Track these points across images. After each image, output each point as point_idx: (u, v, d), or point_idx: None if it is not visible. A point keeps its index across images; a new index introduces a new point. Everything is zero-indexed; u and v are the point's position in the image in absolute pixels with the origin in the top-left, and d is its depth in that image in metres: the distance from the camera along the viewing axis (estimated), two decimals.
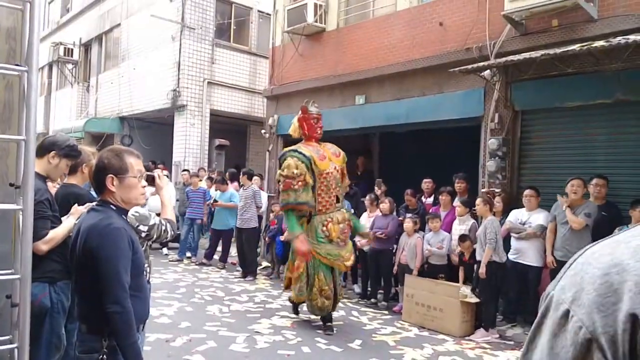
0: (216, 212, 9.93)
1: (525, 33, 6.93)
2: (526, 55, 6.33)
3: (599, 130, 6.55)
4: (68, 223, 3.00)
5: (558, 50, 5.91)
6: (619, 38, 5.54)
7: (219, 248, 10.03)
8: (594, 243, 0.68)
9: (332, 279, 5.68)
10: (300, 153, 5.22)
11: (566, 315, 0.62)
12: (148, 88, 14.87)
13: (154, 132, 15.99)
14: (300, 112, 5.84)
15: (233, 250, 10.11)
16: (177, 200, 11.11)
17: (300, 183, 5.07)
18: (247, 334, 5.62)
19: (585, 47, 5.67)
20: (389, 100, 8.83)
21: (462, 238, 6.50)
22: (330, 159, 5.41)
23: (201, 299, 7.20)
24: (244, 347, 5.22)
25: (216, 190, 10.20)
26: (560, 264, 5.81)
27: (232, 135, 14.70)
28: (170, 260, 10.04)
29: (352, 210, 8.11)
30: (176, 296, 7.18)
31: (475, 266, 6.29)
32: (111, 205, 2.33)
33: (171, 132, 14.27)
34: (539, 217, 6.31)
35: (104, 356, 2.18)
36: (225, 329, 5.78)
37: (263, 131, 11.43)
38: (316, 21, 9.78)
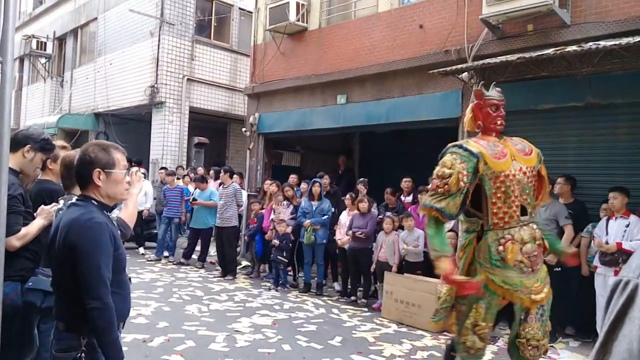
0: (195, 210, 9.90)
1: (502, 37, 7.09)
2: (502, 58, 6.48)
3: (571, 132, 6.75)
4: (39, 222, 2.95)
5: (533, 54, 6.07)
6: (590, 44, 5.72)
7: (198, 247, 10.00)
8: None
9: (496, 317, 4.00)
10: (466, 149, 3.90)
11: None
12: (125, 84, 14.71)
13: (130, 129, 15.82)
14: (473, 98, 4.43)
15: (212, 250, 10.10)
16: (155, 198, 11.05)
17: (445, 187, 3.87)
18: (227, 333, 5.63)
19: (559, 51, 5.84)
20: (369, 100, 8.94)
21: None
22: (515, 157, 4.01)
23: (179, 298, 7.18)
24: (224, 346, 5.23)
25: (195, 188, 10.17)
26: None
27: (211, 133, 14.65)
28: (147, 260, 9.99)
29: (333, 210, 8.24)
30: (153, 296, 7.13)
31: None
32: (93, 200, 2.29)
33: (149, 129, 14.12)
34: None
35: (82, 354, 2.14)
36: (204, 329, 5.77)
37: (244, 129, 11.43)
38: (298, 20, 9.82)
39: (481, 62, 6.81)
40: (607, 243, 5.51)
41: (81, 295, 2.10)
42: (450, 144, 4.07)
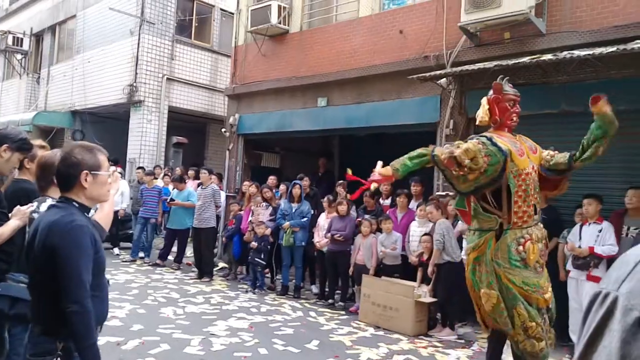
0: (172, 211, 9.81)
1: (480, 44, 7.19)
2: (480, 65, 6.58)
3: (546, 139, 6.79)
4: (14, 223, 2.89)
5: (510, 62, 6.18)
6: (565, 52, 5.85)
7: (174, 248, 9.91)
8: None
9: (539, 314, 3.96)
10: (494, 144, 3.74)
11: (639, 323, 0.61)
12: (103, 82, 14.55)
13: (107, 127, 15.63)
14: (491, 92, 4.18)
15: (188, 251, 10.02)
16: (131, 198, 10.93)
17: (460, 173, 3.71)
18: (203, 337, 5.58)
19: (535, 60, 5.96)
20: (349, 103, 8.98)
21: (425, 236, 6.64)
22: (529, 155, 3.92)
23: (154, 300, 7.09)
24: (199, 349, 5.19)
25: (173, 188, 10.09)
26: None
27: (190, 133, 14.55)
28: (122, 261, 9.87)
29: (313, 212, 8.25)
30: (128, 298, 7.04)
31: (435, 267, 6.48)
32: (74, 202, 2.25)
33: (126, 128, 13.99)
34: None
35: (58, 359, 2.12)
36: (179, 332, 5.71)
37: (223, 130, 11.38)
38: (280, 23, 9.82)
39: (459, 68, 6.90)
40: (579, 247, 5.63)
41: (59, 299, 2.08)
42: (474, 135, 3.99)
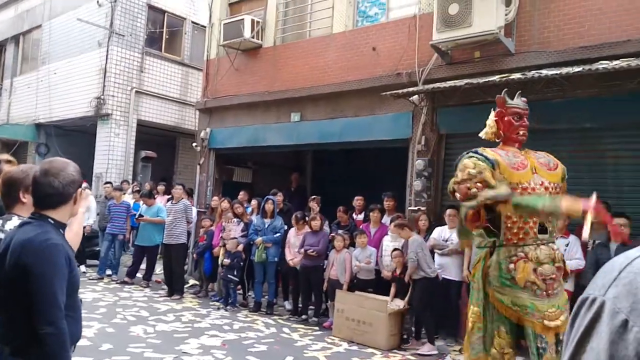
0: (141, 227, 9.61)
1: (451, 62, 7.35)
2: (451, 83, 6.72)
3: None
4: None
5: (480, 80, 6.33)
6: (533, 72, 6.03)
7: (143, 265, 9.70)
8: (637, 253, 0.71)
9: (515, 339, 3.73)
10: (481, 154, 3.65)
11: (625, 324, 0.65)
12: (69, 94, 14.25)
13: (73, 141, 15.25)
14: (497, 107, 4.00)
15: (158, 268, 9.82)
16: (98, 214, 10.67)
17: (479, 185, 3.51)
18: (175, 355, 5.47)
19: (504, 78, 6.12)
20: (323, 118, 9.03)
21: (395, 251, 6.66)
22: (538, 170, 3.71)
23: (124, 319, 6.91)
24: None
25: (142, 204, 9.89)
26: None
27: (160, 147, 14.34)
28: (89, 279, 9.58)
29: (285, 227, 8.20)
30: (96, 316, 6.83)
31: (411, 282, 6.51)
32: (49, 219, 2.16)
33: (93, 142, 13.71)
34: None
35: None
36: (150, 350, 5.58)
37: (194, 144, 11.27)
38: (253, 37, 9.83)
39: (431, 86, 7.04)
40: None
41: (31, 318, 2.01)
42: (464, 152, 3.83)
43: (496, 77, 6.23)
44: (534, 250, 3.60)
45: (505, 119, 3.87)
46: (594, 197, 3.04)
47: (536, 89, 6.33)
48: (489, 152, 3.69)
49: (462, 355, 6.16)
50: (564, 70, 5.72)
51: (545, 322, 3.52)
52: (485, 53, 6.98)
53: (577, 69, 5.58)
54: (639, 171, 5.87)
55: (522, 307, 3.54)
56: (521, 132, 3.87)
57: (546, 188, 3.70)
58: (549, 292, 3.57)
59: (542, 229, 3.66)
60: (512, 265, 3.57)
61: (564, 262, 3.70)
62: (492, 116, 3.97)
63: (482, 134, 4.03)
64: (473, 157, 3.67)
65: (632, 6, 5.98)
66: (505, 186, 3.54)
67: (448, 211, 6.88)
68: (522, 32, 6.79)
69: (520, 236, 3.61)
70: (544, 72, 5.90)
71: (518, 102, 3.94)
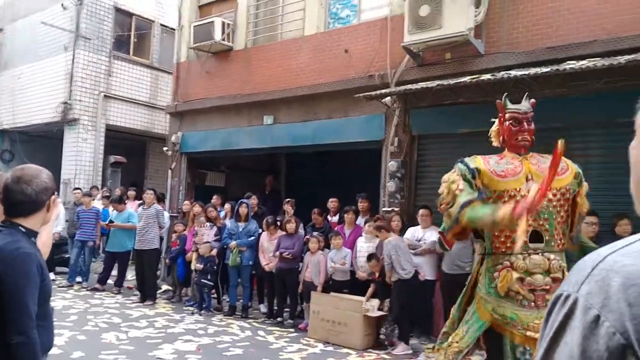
0: (112, 233, 9.42)
1: (422, 64, 7.44)
2: (423, 84, 6.80)
3: (485, 155, 7.14)
4: None
5: (451, 82, 6.42)
6: (502, 73, 6.14)
7: (114, 272, 9.51)
8: (609, 250, 0.73)
9: (491, 344, 3.63)
10: (465, 164, 3.57)
11: (597, 320, 0.67)
12: (34, 99, 13.91)
13: (39, 147, 14.85)
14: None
15: (129, 274, 9.65)
16: (67, 221, 10.43)
17: (444, 204, 3.52)
18: None
19: (474, 79, 6.22)
20: (296, 121, 9.02)
21: (370, 257, 6.67)
22: (534, 176, 3.51)
23: (95, 326, 6.77)
24: None
25: (112, 210, 9.70)
26: (450, 276, 6.28)
27: (129, 152, 14.11)
28: (58, 287, 9.33)
29: (260, 231, 8.14)
30: (66, 324, 6.65)
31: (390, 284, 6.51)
32: (20, 227, 2.12)
33: (60, 147, 13.40)
34: (432, 234, 6.73)
35: None
36: (123, 357, 5.48)
37: (165, 148, 11.12)
38: (224, 39, 9.76)
39: (403, 87, 7.11)
40: None
41: (1, 328, 1.96)
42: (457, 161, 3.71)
43: (467, 78, 6.33)
44: (522, 259, 3.43)
45: (505, 125, 3.70)
46: (560, 144, 3.03)
47: (505, 89, 6.43)
48: (474, 161, 3.58)
49: (435, 353, 6.22)
50: (532, 70, 5.84)
51: (528, 333, 3.36)
52: (455, 54, 7.08)
53: (545, 69, 5.71)
54: (607, 169, 6.02)
55: (502, 316, 3.43)
56: (520, 138, 3.63)
57: (550, 195, 3.47)
58: (539, 303, 3.39)
59: (538, 238, 3.48)
60: (496, 274, 3.48)
61: (563, 272, 3.44)
62: (496, 122, 3.81)
63: (493, 141, 3.86)
64: (456, 168, 3.60)
65: (599, 7, 6.15)
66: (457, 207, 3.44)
67: (421, 211, 6.95)
68: (491, 33, 6.92)
69: (508, 245, 3.47)
70: (513, 72, 6.01)
71: (522, 105, 3.72)
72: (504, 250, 3.49)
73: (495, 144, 3.82)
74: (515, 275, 3.38)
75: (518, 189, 3.46)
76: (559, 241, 3.51)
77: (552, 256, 3.46)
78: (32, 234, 2.17)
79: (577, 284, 0.72)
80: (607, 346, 0.65)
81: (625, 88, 5.64)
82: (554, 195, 3.51)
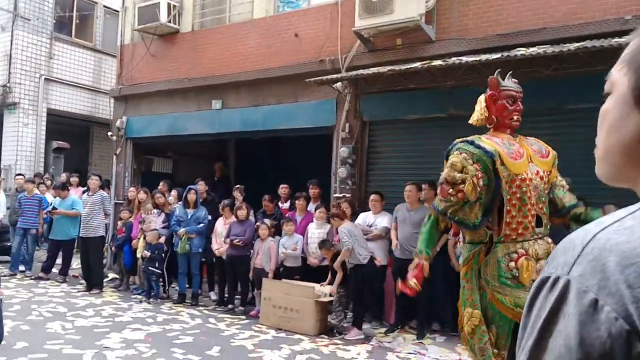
0: (55, 221, 9.06)
1: (373, 49, 7.46)
2: (374, 70, 6.83)
3: (435, 141, 7.24)
4: None
5: (402, 67, 6.46)
6: (453, 59, 6.23)
7: (59, 260, 9.19)
8: (597, 227, 0.67)
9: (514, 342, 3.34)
10: (478, 146, 3.33)
11: (594, 304, 0.61)
12: None
13: None
14: (488, 89, 3.61)
15: (75, 262, 9.33)
16: (8, 208, 9.98)
17: (459, 195, 3.27)
18: (96, 350, 5.23)
19: (425, 65, 6.29)
20: (245, 106, 8.89)
21: (322, 244, 6.64)
22: (532, 159, 3.46)
23: (39, 315, 6.54)
24: None
25: (55, 196, 9.33)
26: (401, 261, 6.37)
27: (72, 138, 13.58)
28: (1, 276, 8.93)
29: (209, 217, 8.01)
30: (9, 314, 6.38)
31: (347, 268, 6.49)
32: None
33: (0, 132, 12.76)
34: (383, 220, 6.83)
35: None
36: (69, 347, 5.31)
37: (110, 133, 10.75)
38: (170, 21, 9.48)
39: (354, 72, 7.11)
40: None
41: None
42: (458, 140, 3.45)
43: (418, 64, 6.38)
44: (532, 245, 3.35)
45: (498, 103, 3.51)
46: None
47: (456, 75, 6.55)
48: (487, 143, 3.36)
49: (387, 338, 6.33)
50: (483, 57, 5.92)
51: None
52: (406, 40, 7.13)
53: (495, 55, 5.80)
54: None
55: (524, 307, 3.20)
56: (515, 117, 3.53)
57: (541, 177, 3.45)
58: None
59: (539, 222, 3.42)
60: (512, 264, 3.28)
61: None
62: (482, 100, 3.60)
63: (471, 120, 3.63)
64: (465, 151, 3.34)
65: None
66: (428, 249, 3.57)
67: (372, 197, 7.00)
68: (442, 19, 6.99)
69: (520, 231, 3.34)
70: (464, 58, 6.09)
71: (510, 84, 3.58)
72: (514, 237, 3.33)
73: (478, 123, 3.61)
74: (534, 263, 3.26)
75: (526, 172, 3.35)
76: (549, 223, 3.49)
77: (549, 240, 3.43)
78: None
79: (567, 265, 0.65)
80: (610, 332, 0.59)
81: (574, 75, 5.82)
82: (541, 178, 3.45)
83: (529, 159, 3.44)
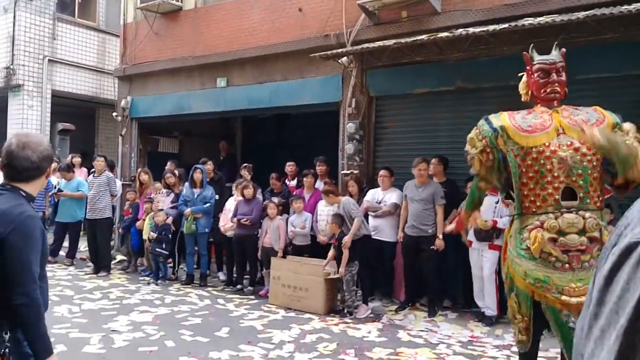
0: (61, 203, 9.02)
1: (378, 23, 7.25)
2: (380, 43, 6.63)
3: (443, 115, 7.10)
4: None
5: (408, 40, 6.27)
6: (460, 30, 6.02)
7: (66, 243, 9.18)
8: None
9: (533, 310, 3.39)
10: (489, 122, 3.48)
11: None
12: None
13: None
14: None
15: (82, 245, 9.33)
16: None
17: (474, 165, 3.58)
18: (103, 334, 5.21)
19: (432, 37, 6.09)
20: (251, 83, 8.73)
21: (335, 218, 6.40)
22: (566, 130, 3.32)
23: None
24: (100, 347, 4.84)
25: (60, 178, 9.28)
26: (412, 239, 6.28)
27: (78, 119, 13.47)
28: None
29: (216, 197, 7.93)
30: None
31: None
32: (21, 192, 2.17)
33: (4, 115, 12.71)
34: (392, 196, 6.71)
35: (6, 350, 2.07)
36: (76, 330, 5.30)
37: (115, 114, 10.66)
38: None
39: (360, 47, 6.91)
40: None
41: (4, 289, 2.01)
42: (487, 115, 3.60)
43: (424, 36, 6.19)
44: (553, 219, 3.25)
45: (532, 77, 3.53)
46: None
47: (462, 47, 6.36)
48: (496, 119, 3.49)
49: (398, 315, 6.28)
50: (490, 27, 5.73)
51: (563, 297, 3.16)
52: (412, 13, 6.92)
53: (502, 26, 5.61)
54: None
55: (535, 279, 3.26)
56: (549, 90, 3.46)
57: (576, 149, 3.28)
58: (573, 264, 3.18)
59: (572, 195, 3.28)
60: (525, 234, 3.33)
61: (601, 231, 3.22)
62: (524, 76, 3.63)
63: (523, 98, 3.67)
64: (479, 127, 3.54)
65: None
66: (470, 207, 4.01)
67: (381, 172, 6.88)
68: None
69: (538, 204, 3.32)
70: (471, 30, 5.90)
71: (548, 56, 3.52)
72: (534, 209, 3.33)
73: (524, 100, 3.64)
74: (547, 235, 3.22)
75: (547, 144, 3.30)
76: (596, 198, 3.30)
77: (587, 214, 3.25)
78: (30, 199, 2.22)
79: (632, 229, 0.60)
80: None
81: (583, 44, 5.63)
82: (588, 149, 3.27)
83: (559, 130, 3.34)
